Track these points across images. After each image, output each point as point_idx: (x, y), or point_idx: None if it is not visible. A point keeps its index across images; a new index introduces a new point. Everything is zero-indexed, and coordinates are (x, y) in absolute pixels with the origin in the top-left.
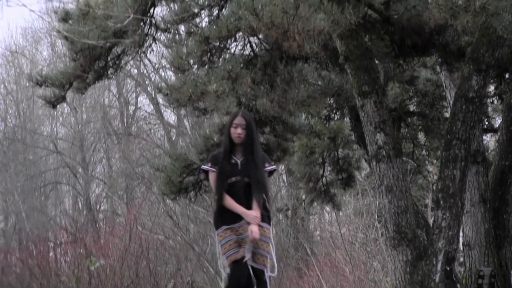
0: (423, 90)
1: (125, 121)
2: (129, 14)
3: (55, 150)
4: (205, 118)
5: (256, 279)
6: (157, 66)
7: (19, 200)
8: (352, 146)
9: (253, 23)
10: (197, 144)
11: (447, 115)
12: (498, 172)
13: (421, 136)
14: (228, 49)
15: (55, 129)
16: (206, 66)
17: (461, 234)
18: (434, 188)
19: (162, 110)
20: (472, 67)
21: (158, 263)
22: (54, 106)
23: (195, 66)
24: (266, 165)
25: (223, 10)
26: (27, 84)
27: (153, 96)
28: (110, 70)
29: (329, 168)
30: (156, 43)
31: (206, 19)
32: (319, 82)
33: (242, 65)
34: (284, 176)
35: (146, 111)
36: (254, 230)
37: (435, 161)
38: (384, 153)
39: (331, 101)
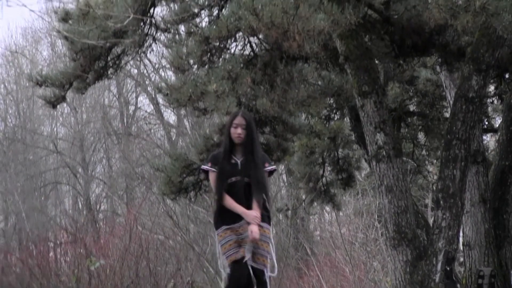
0: (423, 90)
1: (125, 121)
2: (129, 14)
3: (55, 150)
4: (205, 118)
5: (256, 279)
6: (157, 66)
7: (19, 200)
8: (352, 146)
9: (253, 23)
10: (197, 144)
11: (447, 115)
12: (498, 172)
13: (421, 136)
14: (228, 49)
15: (55, 129)
16: (206, 66)
17: (461, 234)
18: (434, 188)
19: (162, 110)
20: (472, 67)
21: (158, 263)
22: (54, 106)
23: (195, 66)
24: (266, 165)
25: (223, 10)
26: (27, 84)
27: (153, 96)
28: (110, 70)
29: (329, 168)
30: (156, 43)
31: (206, 19)
32: (319, 82)
33: (242, 65)
34: (284, 176)
35: (146, 111)
36: (254, 230)
37: (435, 161)
38: (384, 153)
39: (331, 101)
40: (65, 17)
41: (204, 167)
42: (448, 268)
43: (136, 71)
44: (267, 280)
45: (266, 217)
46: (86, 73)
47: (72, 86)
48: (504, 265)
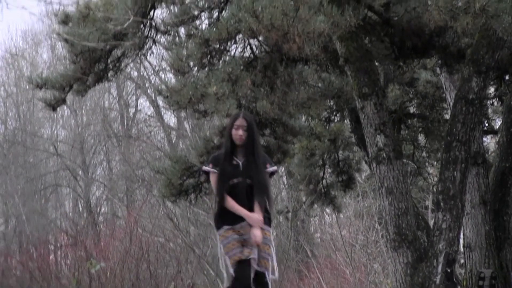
0: (423, 92)
1: (125, 123)
2: (129, 16)
3: (55, 152)
4: (205, 121)
5: (257, 282)
6: (157, 68)
7: (19, 203)
8: (352, 148)
9: (253, 25)
10: (198, 146)
11: (447, 117)
12: (498, 174)
13: (421, 138)
14: (228, 51)
15: (55, 131)
16: (206, 69)
17: (461, 236)
18: (435, 190)
19: (162, 113)
20: (472, 69)
21: (159, 266)
22: (54, 109)
23: (195, 69)
24: (267, 166)
25: (223, 12)
26: (27, 86)
27: (154, 98)
28: (110, 73)
29: (329, 170)
30: (156, 46)
31: (206, 21)
32: (319, 84)
33: (242, 67)
34: (284, 178)
35: (146, 114)
36: (257, 234)
37: (435, 163)
38: (384, 155)
39: (331, 103)
40: (65, 19)
41: (205, 168)
42: (448, 270)
43: (136, 73)
44: (269, 282)
45: (267, 219)
46: (86, 75)
47: (72, 89)
48: (504, 266)
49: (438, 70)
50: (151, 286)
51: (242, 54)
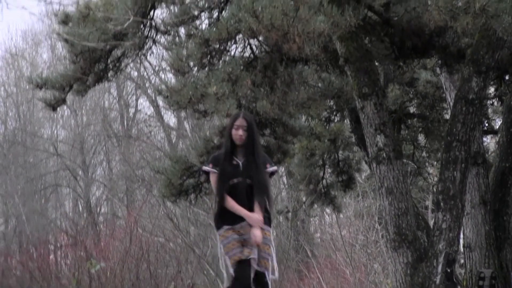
0: (423, 92)
1: (125, 123)
2: (129, 16)
3: (55, 152)
4: (205, 121)
5: (257, 282)
6: (157, 68)
7: (19, 203)
8: (352, 148)
9: (253, 25)
10: (197, 146)
11: (447, 116)
12: (498, 174)
13: (421, 138)
14: (228, 51)
15: (55, 131)
16: (206, 69)
17: (461, 236)
18: (435, 190)
19: (162, 113)
20: (472, 69)
21: (159, 266)
22: (54, 109)
23: (195, 69)
24: (267, 166)
25: (223, 12)
26: (27, 86)
27: (153, 98)
28: (110, 73)
29: (329, 170)
30: (156, 46)
31: (206, 21)
32: (319, 84)
33: (242, 67)
34: (284, 178)
35: (146, 114)
36: (257, 234)
37: (435, 163)
38: (384, 155)
39: (331, 103)
40: (65, 19)
41: (205, 168)
42: (448, 270)
43: (136, 73)
44: (269, 282)
45: (266, 219)
46: (86, 75)
47: (72, 89)
48: (504, 266)
49: (438, 70)
50: (151, 286)
51: (242, 54)
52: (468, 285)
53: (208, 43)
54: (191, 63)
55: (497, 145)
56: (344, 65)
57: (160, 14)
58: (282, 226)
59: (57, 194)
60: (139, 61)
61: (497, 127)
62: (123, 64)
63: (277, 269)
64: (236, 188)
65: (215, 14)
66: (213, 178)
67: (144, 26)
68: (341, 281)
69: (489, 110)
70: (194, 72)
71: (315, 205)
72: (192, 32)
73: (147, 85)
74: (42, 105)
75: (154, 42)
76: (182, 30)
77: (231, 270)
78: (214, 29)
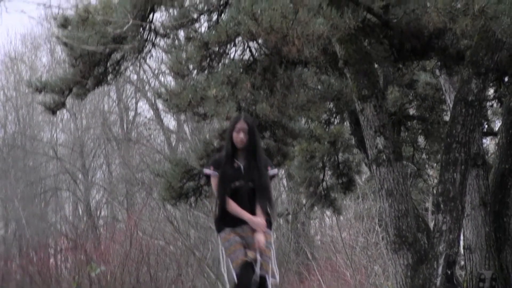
0: (422, 94)
1: (125, 127)
2: (128, 19)
3: (55, 156)
4: (205, 124)
5: (259, 285)
6: (156, 72)
7: (19, 207)
8: (352, 150)
9: (253, 28)
10: (197, 149)
11: (447, 118)
12: (498, 175)
13: (421, 140)
14: (228, 54)
15: (54, 135)
16: (206, 72)
17: (461, 237)
18: (435, 191)
19: (162, 116)
20: (471, 71)
21: (159, 269)
22: (53, 112)
23: (195, 72)
24: (268, 168)
25: (223, 15)
26: (27, 90)
27: (153, 101)
28: (110, 76)
29: (329, 173)
30: (155, 49)
31: (206, 24)
32: (319, 87)
33: (241, 70)
34: (284, 181)
35: (146, 117)
36: (260, 239)
37: (435, 164)
38: (384, 157)
39: (331, 106)
40: (64, 23)
41: (206, 171)
42: (449, 272)
43: (135, 76)
44: (270, 286)
45: (267, 222)
46: (86, 79)
47: (72, 92)
48: (505, 268)
49: (437, 72)
50: None
51: (241, 57)
52: (468, 287)
53: (207, 46)
54: (191, 66)
55: (496, 147)
56: (343, 67)
57: (159, 17)
58: (282, 228)
59: (57, 198)
60: (138, 65)
61: (497, 128)
62: (122, 68)
63: (277, 272)
64: (238, 191)
65: (215, 17)
66: (214, 181)
67: (144, 29)
68: (342, 283)
69: (489, 112)
70: (193, 75)
71: (315, 208)
72: (191, 35)
73: (146, 88)
74: (42, 109)
75: (154, 45)
76: (181, 33)
77: (234, 273)
78: (214, 32)
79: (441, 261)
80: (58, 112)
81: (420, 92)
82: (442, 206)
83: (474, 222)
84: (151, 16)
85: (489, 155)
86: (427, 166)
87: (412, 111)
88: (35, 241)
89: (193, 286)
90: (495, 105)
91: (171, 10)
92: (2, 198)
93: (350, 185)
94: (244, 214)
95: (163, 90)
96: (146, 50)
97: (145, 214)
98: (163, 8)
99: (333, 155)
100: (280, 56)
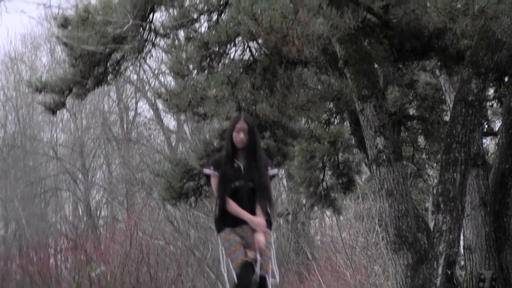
0: (422, 94)
1: (125, 127)
2: (128, 19)
3: (55, 156)
4: (205, 124)
5: (259, 286)
6: (156, 71)
7: (19, 207)
8: (352, 150)
9: (253, 28)
10: (197, 149)
11: (447, 118)
12: (498, 175)
13: (421, 139)
14: (228, 54)
15: (54, 135)
16: (206, 72)
17: (461, 237)
18: (435, 191)
19: (162, 116)
20: (471, 71)
21: (159, 269)
22: (54, 112)
23: (195, 72)
24: (268, 168)
25: (223, 15)
26: (27, 90)
27: (153, 101)
28: (110, 76)
29: (329, 173)
30: (155, 49)
31: (206, 24)
32: (319, 87)
33: (241, 70)
34: (284, 181)
35: (146, 117)
36: (260, 240)
37: (435, 164)
38: (384, 157)
39: (331, 106)
40: (64, 23)
41: (206, 171)
42: (449, 272)
43: (135, 77)
44: (269, 286)
45: (267, 222)
46: (86, 79)
47: (72, 92)
48: (505, 268)
49: (437, 72)
50: None
51: (241, 57)
52: (468, 287)
53: (207, 46)
54: (191, 66)
55: (496, 147)
56: (343, 67)
57: (159, 17)
58: (282, 228)
59: (57, 198)
60: (138, 65)
61: (497, 128)
62: (122, 68)
63: (277, 272)
64: (238, 191)
65: (215, 17)
66: (214, 181)
67: (144, 29)
68: (342, 283)
69: (489, 112)
70: (193, 75)
71: (315, 208)
72: (191, 35)
73: (146, 88)
74: (42, 109)
75: (154, 45)
76: (181, 34)
77: (234, 273)
78: (214, 32)
79: (441, 261)
80: (58, 112)
81: (420, 92)
82: (442, 206)
83: (474, 222)
84: (151, 16)
85: (489, 155)
86: (427, 166)
87: (412, 111)
88: (35, 241)
89: (193, 286)
90: (495, 105)
91: (171, 10)
92: (2, 198)
93: (350, 185)
94: (244, 214)
95: (163, 90)
96: (146, 50)
97: (145, 214)
98: (163, 8)
99: (333, 155)
100: (280, 56)
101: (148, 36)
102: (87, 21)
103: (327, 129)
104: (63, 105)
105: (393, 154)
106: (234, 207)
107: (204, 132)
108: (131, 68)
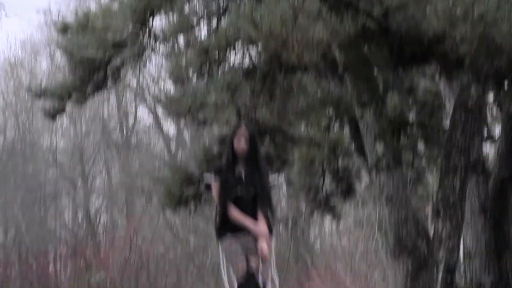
0: (422, 100)
1: (124, 132)
2: (128, 25)
3: (54, 162)
4: (204, 129)
5: None
6: (156, 77)
7: (19, 213)
8: (352, 156)
9: (252, 34)
10: (197, 155)
11: (447, 124)
12: (498, 182)
13: (420, 145)
14: (227, 60)
15: (54, 141)
16: (205, 77)
17: (461, 244)
18: (434, 198)
19: (161, 122)
20: (471, 76)
21: (158, 275)
22: (53, 118)
23: (194, 77)
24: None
25: (222, 21)
26: (26, 96)
27: (153, 107)
28: (109, 82)
29: (329, 179)
30: (155, 55)
31: (205, 30)
32: (318, 92)
33: (241, 76)
34: (284, 187)
35: (145, 125)
36: (264, 247)
37: (435, 170)
38: (384, 163)
39: (331, 111)
40: (64, 29)
41: (207, 179)
42: (448, 278)
43: (135, 82)
44: None
45: (269, 228)
46: (85, 84)
47: (71, 98)
48: (505, 274)
49: (437, 77)
50: None
51: (241, 63)
52: None
53: (207, 52)
54: (190, 72)
55: (496, 153)
56: (343, 73)
57: (159, 23)
58: (282, 235)
59: (56, 204)
60: (138, 70)
61: (497, 134)
62: (122, 73)
63: (277, 279)
64: (239, 198)
65: (214, 23)
66: (215, 189)
67: (143, 35)
68: None
69: (488, 118)
70: (193, 81)
71: (315, 214)
72: (191, 41)
73: (146, 94)
74: (42, 115)
75: (153, 50)
76: (181, 39)
77: (235, 284)
78: (213, 37)
79: (441, 267)
80: (57, 118)
81: (419, 98)
82: (441, 212)
83: (474, 229)
84: (150, 22)
85: (488, 161)
86: (427, 172)
87: (411, 117)
88: (34, 247)
89: None
90: (494, 111)
91: (170, 16)
92: (2, 204)
93: (350, 192)
94: (246, 222)
95: (163, 96)
96: (145, 55)
97: (144, 221)
98: (162, 13)
99: (333, 161)
100: (279, 62)
101: (147, 41)
102: (87, 27)
103: (326, 135)
104: (62, 110)
105: (393, 160)
106: (236, 214)
107: (204, 138)
108: (131, 73)
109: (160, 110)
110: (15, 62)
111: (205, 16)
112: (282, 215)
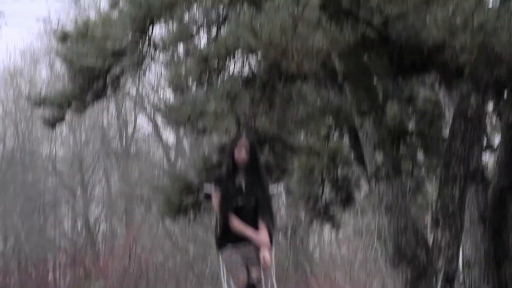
0: (422, 109)
1: (124, 141)
2: (127, 34)
3: (54, 171)
4: (204, 138)
5: None
6: (155, 86)
7: (18, 221)
8: (351, 165)
9: (252, 42)
10: (196, 164)
11: (446, 133)
12: (497, 191)
13: (420, 155)
14: (227, 69)
15: (54, 149)
16: (205, 86)
17: (460, 253)
18: (434, 207)
19: (161, 130)
20: (470, 86)
21: (158, 284)
22: (53, 127)
23: (194, 86)
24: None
25: (222, 29)
26: (26, 104)
27: (152, 116)
28: (109, 90)
29: (328, 188)
30: (154, 63)
31: (205, 38)
32: (318, 101)
33: (240, 85)
34: (283, 196)
35: (145, 133)
36: (267, 257)
37: (434, 180)
38: (383, 172)
39: (330, 120)
40: (64, 37)
41: (207, 189)
42: (448, 287)
43: (135, 91)
44: None
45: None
46: (85, 93)
47: (71, 107)
48: (504, 284)
49: (437, 87)
50: None
51: (240, 72)
52: None
53: (206, 60)
54: (190, 80)
55: (496, 162)
56: (342, 82)
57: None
58: (281, 244)
59: (55, 213)
60: (137, 79)
61: (496, 143)
62: (121, 82)
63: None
64: (239, 209)
65: (214, 32)
66: (215, 199)
67: (143, 43)
68: None
69: (488, 127)
70: (193, 90)
71: (314, 223)
72: (190, 50)
73: (145, 102)
74: (41, 123)
75: (153, 59)
76: (180, 48)
77: None
78: (213, 46)
79: (440, 276)
80: (57, 127)
81: (419, 107)
82: (441, 221)
83: (473, 238)
84: (150, 30)
85: (488, 170)
86: (426, 181)
87: (411, 126)
88: (33, 256)
89: None
90: (494, 120)
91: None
92: (1, 212)
93: (349, 201)
94: (248, 232)
95: (162, 104)
96: (145, 64)
97: (144, 230)
98: (162, 22)
99: (332, 170)
100: (279, 71)
101: (147, 50)
102: (87, 36)
103: (326, 144)
104: (62, 119)
105: (392, 169)
106: (237, 224)
107: (203, 146)
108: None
109: (159, 119)
110: (14, 70)
111: (205, 25)
112: (282, 224)
